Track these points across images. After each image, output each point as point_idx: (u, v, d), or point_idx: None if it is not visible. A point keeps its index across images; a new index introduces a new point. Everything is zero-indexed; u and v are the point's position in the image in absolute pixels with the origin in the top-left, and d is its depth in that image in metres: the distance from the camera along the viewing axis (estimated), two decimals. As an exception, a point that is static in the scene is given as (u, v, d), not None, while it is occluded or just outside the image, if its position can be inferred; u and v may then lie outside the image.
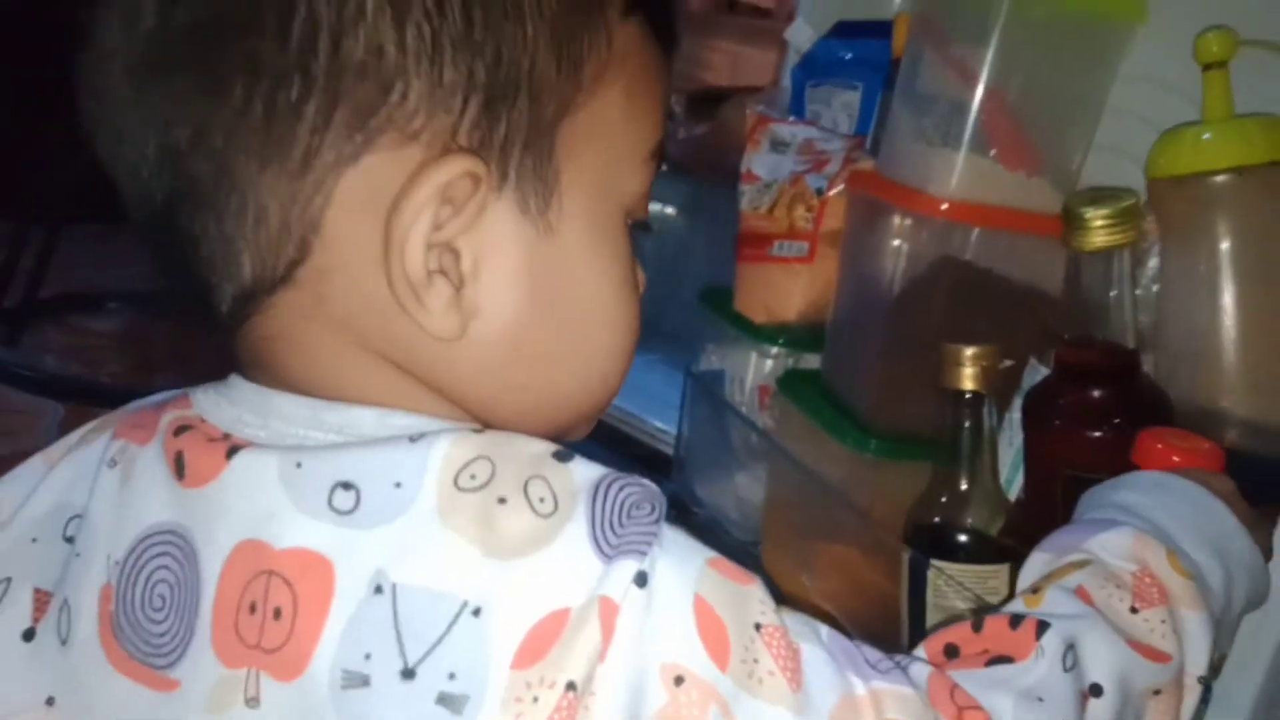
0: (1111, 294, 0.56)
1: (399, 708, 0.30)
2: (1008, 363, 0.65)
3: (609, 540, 0.32)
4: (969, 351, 0.62)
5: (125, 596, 0.34)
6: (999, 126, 0.64)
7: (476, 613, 0.30)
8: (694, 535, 0.35)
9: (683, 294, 1.43)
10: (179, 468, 0.34)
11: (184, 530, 0.34)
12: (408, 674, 0.30)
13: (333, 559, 0.32)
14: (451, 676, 0.30)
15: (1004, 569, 0.62)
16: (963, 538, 0.63)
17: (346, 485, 0.32)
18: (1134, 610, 0.41)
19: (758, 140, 0.89)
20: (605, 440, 1.23)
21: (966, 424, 0.63)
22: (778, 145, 0.88)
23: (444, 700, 0.30)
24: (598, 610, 0.31)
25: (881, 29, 0.85)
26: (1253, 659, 0.51)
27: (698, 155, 1.38)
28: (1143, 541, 0.42)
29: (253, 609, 0.32)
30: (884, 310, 0.70)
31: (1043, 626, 0.39)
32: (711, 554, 0.35)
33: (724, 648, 0.32)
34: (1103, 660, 0.39)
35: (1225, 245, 0.54)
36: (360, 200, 0.33)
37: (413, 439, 0.33)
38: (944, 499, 0.64)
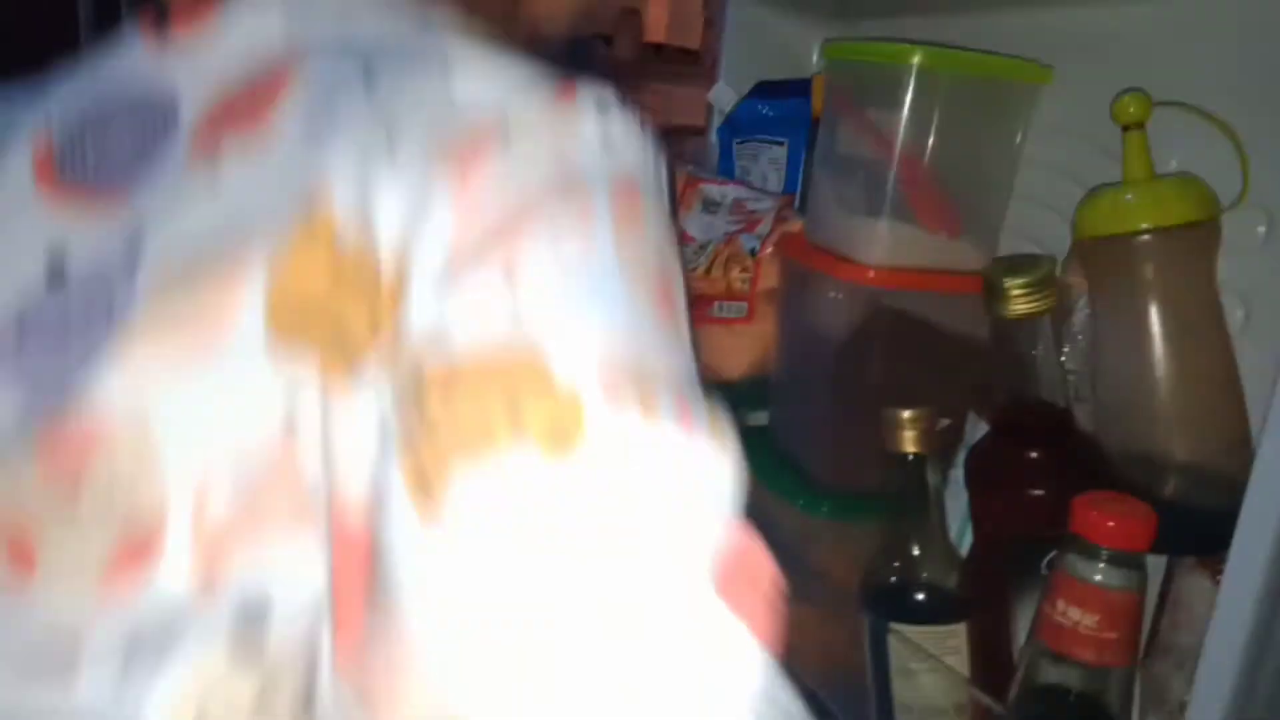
0: (1037, 355, 0.57)
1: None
2: (945, 422, 0.66)
3: None
4: (906, 415, 0.63)
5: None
6: (917, 190, 0.66)
7: None
8: None
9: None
10: None
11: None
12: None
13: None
14: None
15: (962, 627, 0.62)
16: (919, 597, 0.64)
17: None
18: None
19: (690, 201, 0.90)
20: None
21: (911, 485, 0.64)
22: (709, 205, 0.89)
23: None
24: None
25: (800, 86, 0.87)
26: (1211, 690, 0.52)
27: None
28: None
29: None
30: (823, 374, 0.71)
31: None
32: None
33: None
34: None
35: (1150, 301, 0.55)
36: None
37: None
38: (897, 559, 0.65)
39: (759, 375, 0.85)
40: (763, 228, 0.84)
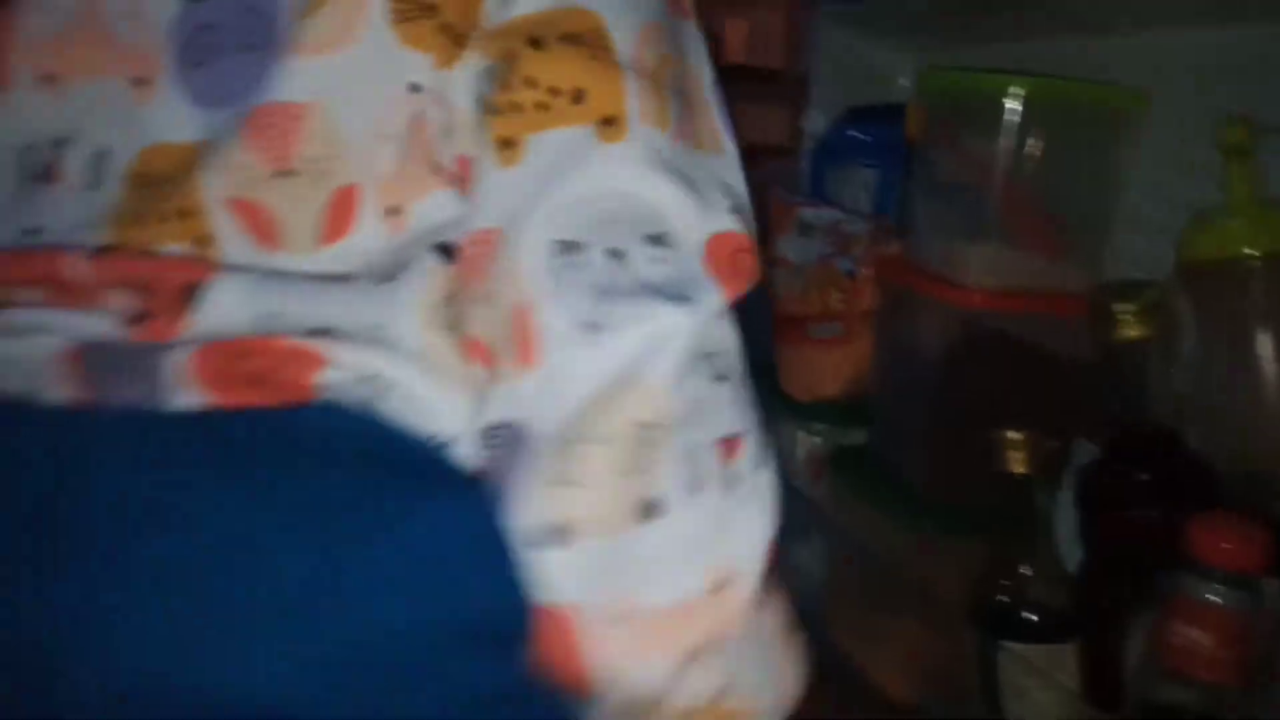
0: (1146, 378, 0.58)
1: None
2: (1053, 444, 0.67)
3: None
4: (1014, 436, 0.64)
5: None
6: (1019, 214, 0.67)
7: None
8: None
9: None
10: None
11: None
12: None
13: None
14: None
15: (1072, 647, 0.63)
16: (1030, 616, 0.64)
17: None
18: None
19: (786, 226, 0.92)
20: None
21: (1021, 506, 0.65)
22: (805, 229, 0.91)
23: None
24: None
25: (893, 112, 0.88)
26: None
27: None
28: None
29: None
30: (927, 393, 0.73)
31: None
32: None
33: None
34: None
35: (1258, 323, 0.56)
36: None
37: None
38: (1005, 578, 0.66)
39: (856, 394, 0.87)
40: (859, 250, 0.86)
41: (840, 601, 0.86)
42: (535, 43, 0.36)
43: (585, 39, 0.36)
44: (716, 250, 0.36)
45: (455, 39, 0.37)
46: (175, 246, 0.36)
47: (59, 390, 0.34)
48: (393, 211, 0.37)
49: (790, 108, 1.29)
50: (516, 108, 0.36)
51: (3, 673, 0.30)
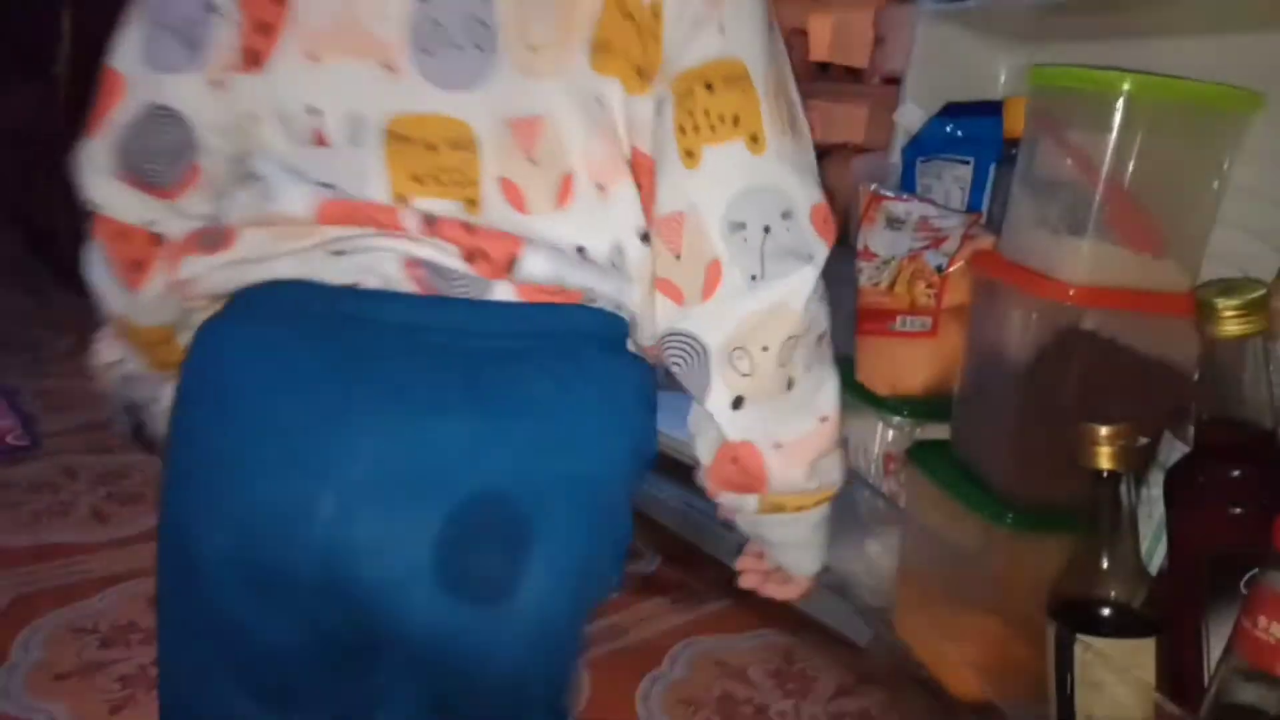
0: (1246, 376, 0.58)
1: None
2: (1143, 440, 0.66)
3: None
4: (1105, 431, 0.64)
5: None
6: (1121, 211, 0.67)
7: None
8: None
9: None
10: None
11: None
12: None
13: None
14: None
15: (1151, 642, 0.63)
16: (1107, 612, 0.65)
17: None
18: None
19: (873, 218, 0.93)
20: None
21: (1106, 501, 0.65)
22: (893, 222, 0.91)
23: None
24: None
25: (990, 108, 0.89)
26: None
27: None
28: None
29: None
30: (1016, 389, 0.73)
31: None
32: None
33: None
34: None
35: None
36: None
37: None
38: (1086, 574, 0.66)
39: (938, 391, 0.88)
40: (950, 245, 0.86)
41: (910, 598, 0.87)
42: (708, 86, 0.52)
43: (737, 80, 0.52)
44: (817, 217, 0.54)
45: (641, 74, 0.53)
46: (450, 204, 0.52)
47: (408, 286, 0.51)
48: (600, 188, 0.53)
49: (874, 104, 1.29)
50: (696, 129, 0.52)
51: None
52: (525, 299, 0.51)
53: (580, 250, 0.53)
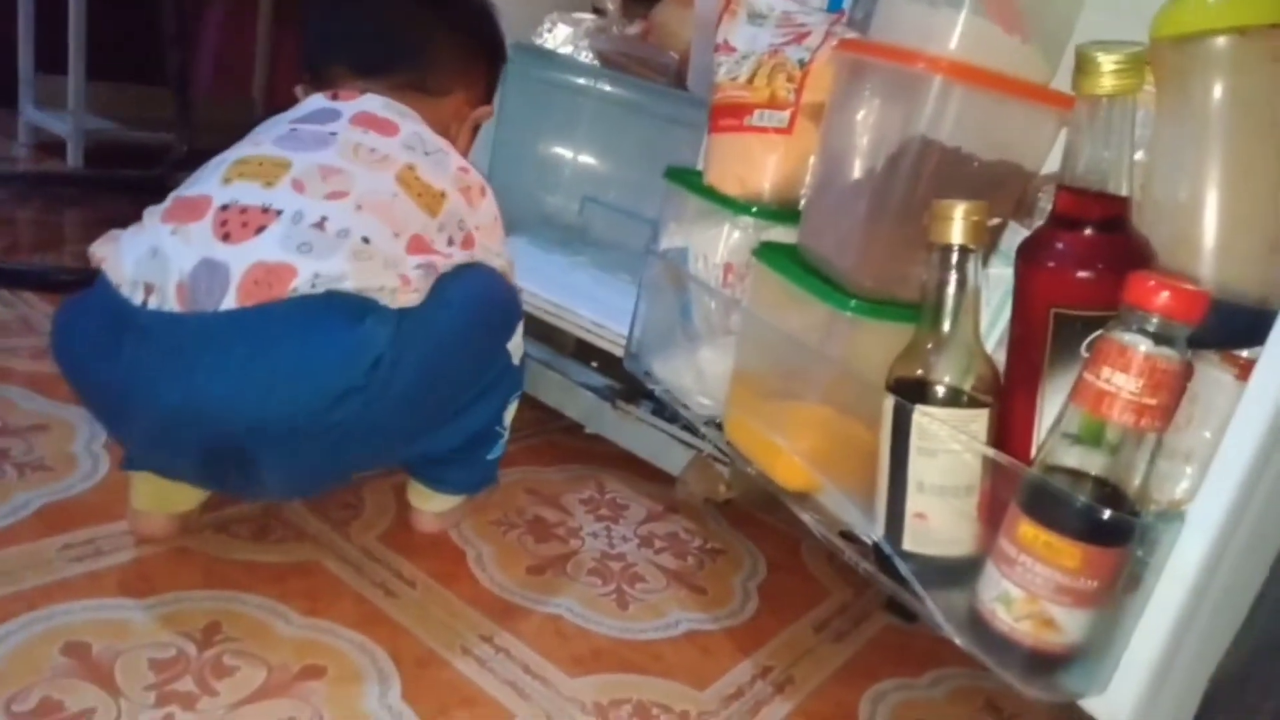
0: (1112, 138, 0.58)
1: None
2: (996, 220, 0.67)
3: None
4: (961, 206, 0.64)
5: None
6: (995, -7, 0.66)
7: None
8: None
9: (609, 197, 1.45)
10: None
11: None
12: None
13: None
14: None
15: (984, 413, 0.65)
16: (946, 384, 0.65)
17: None
18: None
19: (734, 11, 0.89)
20: (541, 337, 1.24)
21: (954, 277, 0.65)
22: (755, 18, 0.88)
23: None
24: None
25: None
26: (1223, 480, 0.55)
27: (630, 54, 1.38)
28: None
29: None
30: (872, 172, 0.72)
31: None
32: None
33: None
34: None
35: (1218, 106, 0.57)
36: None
37: None
38: (927, 352, 0.66)
39: (789, 196, 0.86)
40: (812, 40, 0.83)
41: (742, 398, 0.86)
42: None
43: None
44: None
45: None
46: None
47: None
48: None
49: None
50: None
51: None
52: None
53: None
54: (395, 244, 0.75)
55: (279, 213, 0.72)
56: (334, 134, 0.80)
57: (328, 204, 0.74)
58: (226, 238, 0.71)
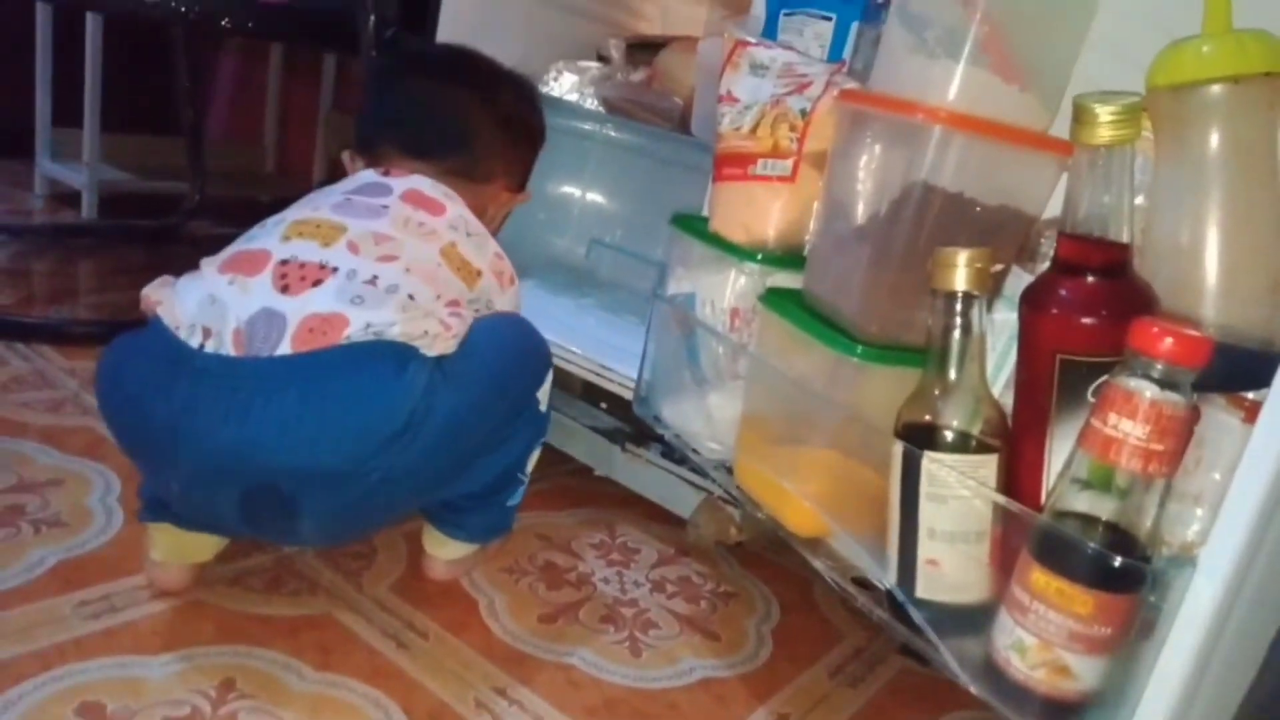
0: (1112, 187, 0.59)
1: None
2: (999, 266, 0.68)
3: None
4: (965, 254, 0.65)
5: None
6: (994, 41, 0.67)
7: None
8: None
9: (615, 239, 1.46)
10: None
11: None
12: None
13: None
14: None
15: (993, 458, 0.65)
16: (953, 433, 0.66)
17: None
18: None
19: (736, 63, 0.90)
20: (557, 382, 1.25)
21: (959, 323, 0.66)
22: (757, 68, 0.89)
23: None
24: None
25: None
26: (1234, 523, 0.55)
27: (635, 100, 1.40)
28: None
29: None
30: (875, 219, 0.73)
31: None
32: None
33: None
34: None
35: (1216, 152, 0.58)
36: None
37: None
38: (934, 398, 0.67)
39: (794, 241, 0.87)
40: (813, 90, 0.85)
41: (751, 443, 0.86)
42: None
43: None
44: None
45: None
46: None
47: None
48: None
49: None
50: None
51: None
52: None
53: None
54: (437, 304, 0.80)
55: (335, 269, 0.77)
56: (386, 207, 0.87)
57: (379, 265, 0.79)
58: (285, 289, 0.76)
